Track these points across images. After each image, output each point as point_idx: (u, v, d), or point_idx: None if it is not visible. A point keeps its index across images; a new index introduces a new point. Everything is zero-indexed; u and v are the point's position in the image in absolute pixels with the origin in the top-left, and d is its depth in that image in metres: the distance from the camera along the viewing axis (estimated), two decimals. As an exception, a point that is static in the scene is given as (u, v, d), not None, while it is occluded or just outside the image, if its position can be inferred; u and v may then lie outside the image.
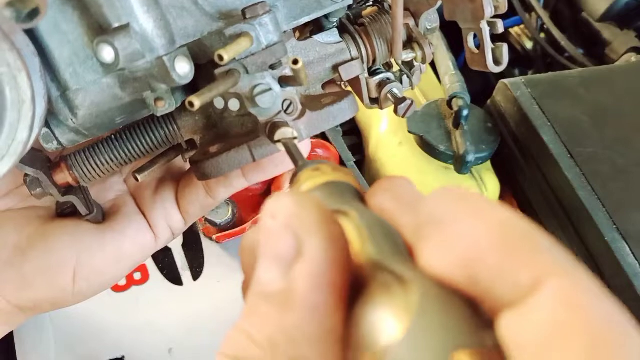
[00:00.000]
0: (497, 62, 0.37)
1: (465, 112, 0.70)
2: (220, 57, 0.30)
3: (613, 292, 0.68)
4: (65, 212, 0.42)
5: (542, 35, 0.96)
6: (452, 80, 0.74)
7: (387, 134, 0.80)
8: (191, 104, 0.30)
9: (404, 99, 0.39)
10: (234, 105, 0.35)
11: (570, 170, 0.65)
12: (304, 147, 0.39)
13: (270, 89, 0.34)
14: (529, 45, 0.98)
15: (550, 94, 0.72)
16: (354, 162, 0.74)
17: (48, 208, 0.42)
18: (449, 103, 0.73)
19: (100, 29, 0.32)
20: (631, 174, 0.66)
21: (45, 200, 0.40)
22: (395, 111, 0.39)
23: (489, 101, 0.76)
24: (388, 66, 0.42)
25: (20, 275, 0.39)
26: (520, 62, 0.97)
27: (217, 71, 0.34)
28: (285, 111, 0.35)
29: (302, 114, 0.35)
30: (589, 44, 0.91)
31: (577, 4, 0.93)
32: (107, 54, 0.31)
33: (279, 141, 0.33)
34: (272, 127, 0.34)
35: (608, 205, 0.62)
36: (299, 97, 0.37)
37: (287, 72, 0.35)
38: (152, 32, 0.32)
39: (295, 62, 0.31)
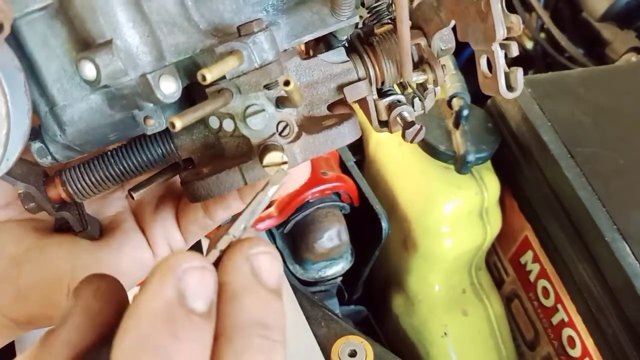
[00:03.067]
0: (510, 87, 0.34)
1: (465, 112, 0.70)
2: (203, 77, 0.28)
3: (613, 292, 0.67)
4: (63, 227, 0.41)
5: (542, 35, 0.96)
6: (452, 80, 0.74)
7: (387, 134, 0.80)
8: (172, 125, 0.28)
9: (412, 124, 0.36)
10: (228, 125, 0.34)
11: (570, 170, 0.65)
12: (301, 170, 0.38)
13: (263, 110, 0.33)
14: (529, 45, 0.98)
15: (550, 94, 0.72)
16: (354, 162, 0.74)
17: (47, 221, 0.41)
18: (449, 103, 0.73)
19: (86, 45, 0.30)
20: (631, 174, 0.66)
21: (44, 214, 0.39)
22: (403, 136, 0.37)
23: (489, 101, 0.76)
24: (403, 87, 0.40)
25: (16, 287, 0.38)
26: (521, 62, 0.97)
27: (209, 90, 0.32)
28: (280, 133, 0.34)
29: (298, 137, 0.34)
30: (589, 43, 0.91)
31: (578, 4, 0.93)
32: (88, 70, 0.30)
33: (267, 165, 0.32)
34: (264, 149, 0.33)
35: (608, 205, 0.62)
36: (298, 118, 0.36)
37: (284, 92, 0.33)
38: (138, 49, 0.31)
39: (287, 83, 0.29)
